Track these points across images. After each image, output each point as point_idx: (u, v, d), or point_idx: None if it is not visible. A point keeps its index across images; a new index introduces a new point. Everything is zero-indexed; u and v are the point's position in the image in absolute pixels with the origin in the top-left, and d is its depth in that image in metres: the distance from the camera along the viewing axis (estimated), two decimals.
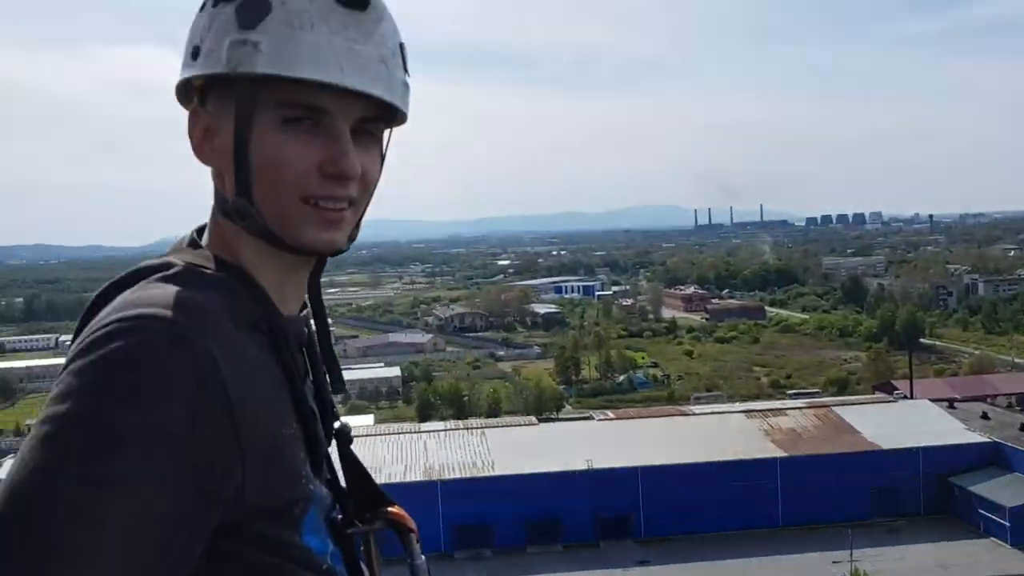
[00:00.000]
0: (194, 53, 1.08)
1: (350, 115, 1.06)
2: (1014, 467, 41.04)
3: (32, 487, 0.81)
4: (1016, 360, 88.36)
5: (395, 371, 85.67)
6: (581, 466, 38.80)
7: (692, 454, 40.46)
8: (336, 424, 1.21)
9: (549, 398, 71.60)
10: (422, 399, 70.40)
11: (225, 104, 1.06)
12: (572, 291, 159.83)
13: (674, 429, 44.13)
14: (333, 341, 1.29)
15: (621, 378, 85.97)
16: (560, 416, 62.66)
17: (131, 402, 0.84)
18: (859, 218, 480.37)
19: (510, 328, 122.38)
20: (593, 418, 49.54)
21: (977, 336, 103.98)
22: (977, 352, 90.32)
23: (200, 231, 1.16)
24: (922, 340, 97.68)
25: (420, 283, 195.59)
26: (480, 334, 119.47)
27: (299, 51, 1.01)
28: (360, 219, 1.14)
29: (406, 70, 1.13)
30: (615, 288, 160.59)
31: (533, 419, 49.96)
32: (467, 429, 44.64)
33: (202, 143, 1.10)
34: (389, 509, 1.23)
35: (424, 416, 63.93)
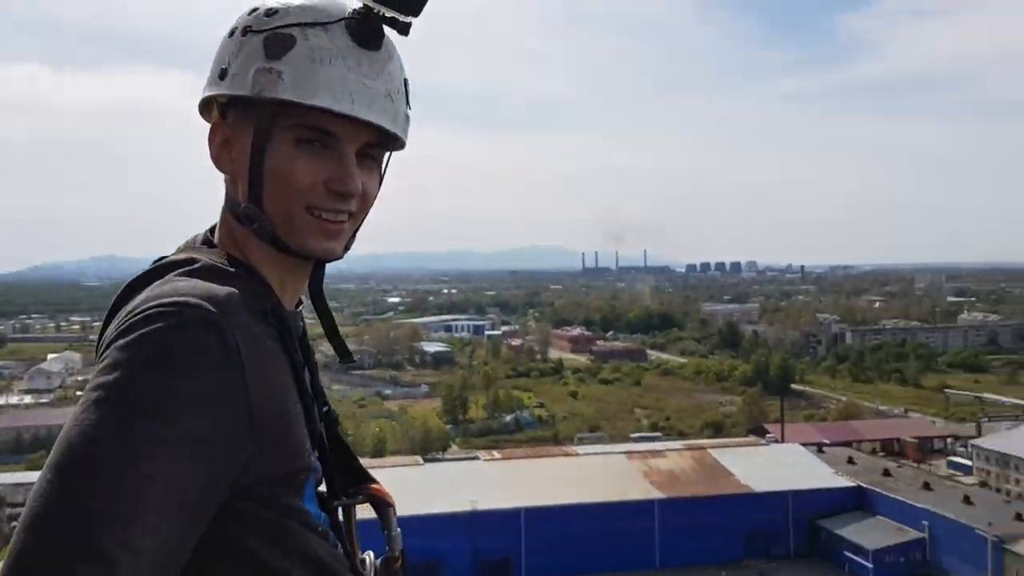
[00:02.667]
0: (221, 74, 1.24)
1: (357, 140, 1.22)
2: (877, 510, 43.24)
3: (84, 443, 0.93)
4: (880, 407, 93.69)
5: None
6: (465, 507, 38.79)
7: (574, 494, 40.99)
8: (324, 408, 1.36)
9: (435, 438, 71.31)
10: None
11: (245, 121, 1.22)
12: (462, 330, 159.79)
13: (558, 470, 44.64)
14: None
15: (508, 418, 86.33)
16: (446, 456, 62.50)
17: (170, 374, 0.98)
18: (736, 266, 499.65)
19: (399, 366, 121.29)
20: (479, 458, 49.61)
21: (844, 383, 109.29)
22: (844, 399, 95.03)
23: (212, 230, 1.32)
24: (793, 386, 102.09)
25: (306, 319, 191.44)
26: (367, 372, 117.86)
27: (317, 82, 1.17)
28: (356, 231, 1.32)
29: (409, 104, 1.31)
30: (504, 328, 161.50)
31: (418, 459, 49.65)
32: None
33: (220, 152, 1.26)
34: (371, 486, 1.39)
35: None
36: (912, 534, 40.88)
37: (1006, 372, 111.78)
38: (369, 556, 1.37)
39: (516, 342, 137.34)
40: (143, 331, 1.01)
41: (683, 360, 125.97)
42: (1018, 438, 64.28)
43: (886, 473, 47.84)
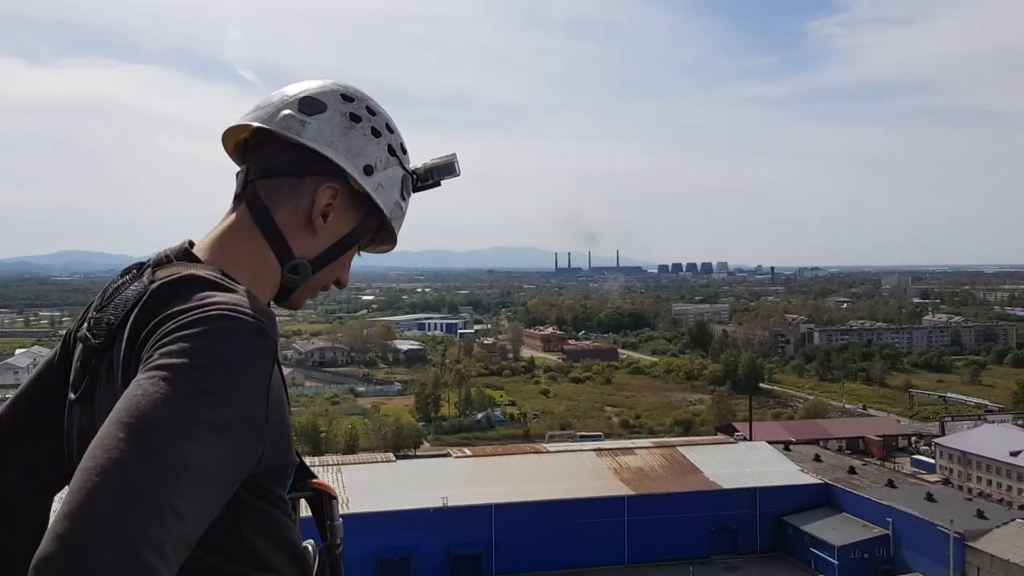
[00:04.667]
0: (367, 169, 1.43)
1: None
2: (843, 507, 43.79)
3: (158, 414, 1.03)
4: (846, 406, 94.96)
5: None
6: (436, 503, 39.03)
7: (544, 491, 41.33)
8: None
9: (408, 435, 71.40)
10: None
11: (357, 211, 1.45)
12: (435, 328, 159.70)
13: (528, 466, 44.96)
14: None
15: (480, 415, 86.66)
16: (418, 453, 62.59)
17: (232, 368, 1.11)
18: (707, 267, 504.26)
19: (371, 364, 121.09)
20: (450, 455, 49.79)
21: (812, 382, 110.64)
22: (811, 398, 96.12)
23: (190, 245, 1.42)
24: (761, 385, 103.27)
25: (280, 316, 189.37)
26: (341, 369, 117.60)
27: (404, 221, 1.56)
28: None
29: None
30: (477, 327, 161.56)
31: (391, 456, 49.75)
32: (322, 466, 44.03)
33: (321, 214, 1.41)
34: (313, 480, 1.53)
35: None
36: (876, 531, 41.52)
37: (968, 372, 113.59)
38: (311, 544, 1.46)
39: (488, 341, 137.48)
40: (212, 327, 1.14)
41: (654, 359, 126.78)
42: (979, 437, 65.59)
43: (851, 471, 48.52)
